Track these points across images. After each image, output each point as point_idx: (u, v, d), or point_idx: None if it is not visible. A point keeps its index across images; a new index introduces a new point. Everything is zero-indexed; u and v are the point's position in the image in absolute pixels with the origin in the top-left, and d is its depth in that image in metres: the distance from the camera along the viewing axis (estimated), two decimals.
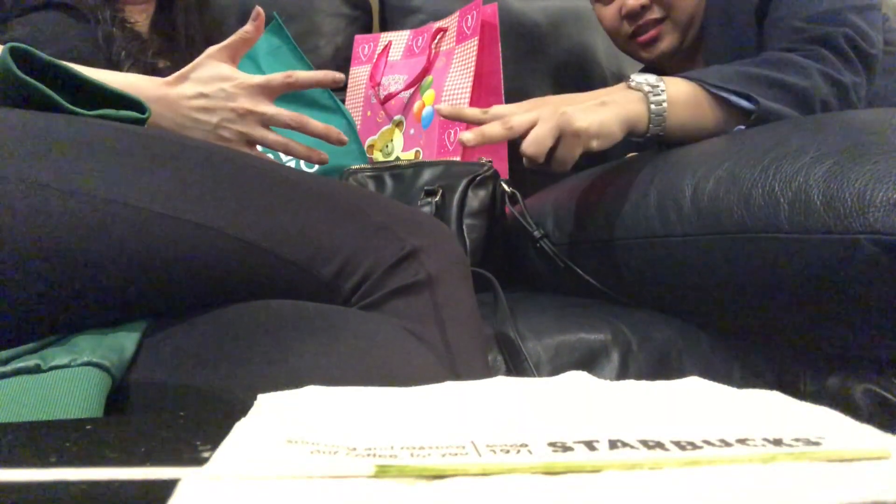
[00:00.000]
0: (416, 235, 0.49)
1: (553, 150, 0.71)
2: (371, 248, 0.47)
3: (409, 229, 0.49)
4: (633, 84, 0.75)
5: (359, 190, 0.52)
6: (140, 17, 0.96)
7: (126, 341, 0.42)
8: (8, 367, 0.37)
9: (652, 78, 0.75)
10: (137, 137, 0.47)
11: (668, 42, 0.99)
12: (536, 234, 0.83)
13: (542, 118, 0.70)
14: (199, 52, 1.05)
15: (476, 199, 0.89)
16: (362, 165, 0.98)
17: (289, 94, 1.07)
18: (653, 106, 0.73)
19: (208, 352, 0.42)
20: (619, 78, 1.42)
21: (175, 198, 0.44)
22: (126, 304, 0.45)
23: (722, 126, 0.76)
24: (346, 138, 0.74)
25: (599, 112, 0.71)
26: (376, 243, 0.47)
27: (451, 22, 1.15)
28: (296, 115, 0.71)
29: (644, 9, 0.97)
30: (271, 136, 0.71)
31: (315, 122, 0.71)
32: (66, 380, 0.36)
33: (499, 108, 0.77)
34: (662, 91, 0.73)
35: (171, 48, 0.97)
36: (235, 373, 0.39)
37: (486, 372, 0.50)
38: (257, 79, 0.70)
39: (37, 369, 0.37)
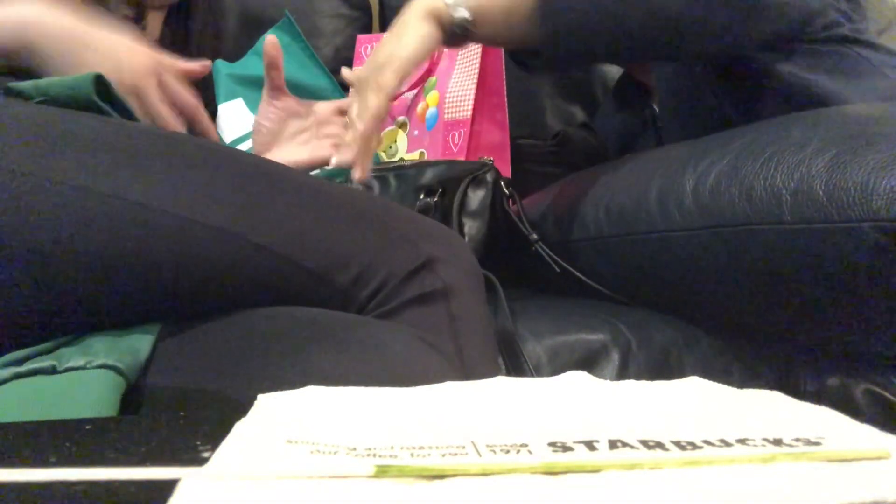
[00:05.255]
0: (432, 245, 0.49)
1: None
2: (388, 257, 0.47)
3: (426, 239, 0.49)
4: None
5: (377, 199, 0.53)
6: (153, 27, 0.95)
7: (140, 343, 0.43)
8: (23, 368, 0.37)
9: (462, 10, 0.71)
10: (160, 140, 0.48)
11: None
12: (532, 237, 0.83)
13: (361, 102, 0.68)
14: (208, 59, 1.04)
15: (475, 198, 0.89)
16: None
17: (299, 94, 1.07)
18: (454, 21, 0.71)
19: (223, 357, 0.42)
20: (619, 73, 1.41)
21: (196, 201, 0.44)
22: (143, 306, 0.45)
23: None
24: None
25: (395, 54, 0.68)
26: (393, 252, 0.48)
27: None
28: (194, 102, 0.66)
29: None
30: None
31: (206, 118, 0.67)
32: (82, 382, 0.36)
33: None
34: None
35: (178, 56, 0.96)
36: (250, 379, 0.39)
37: None
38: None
39: (52, 370, 0.37)
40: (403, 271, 0.47)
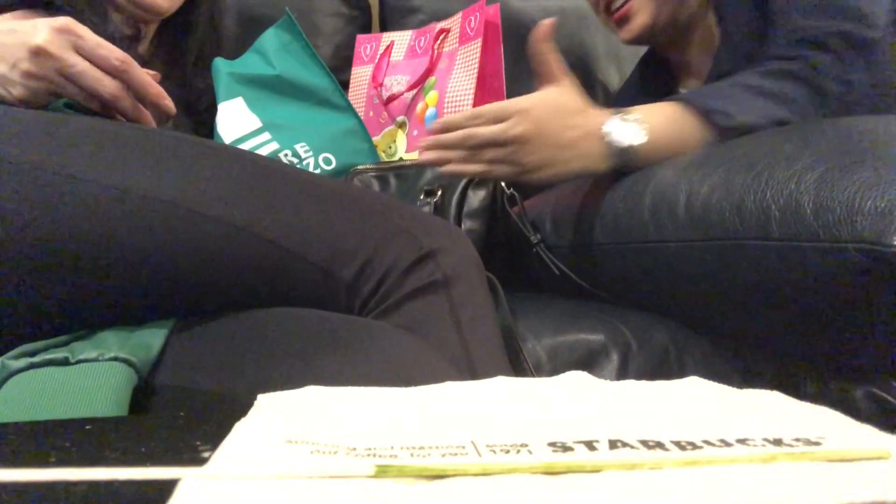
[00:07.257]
0: (432, 237, 0.50)
1: None
2: (390, 250, 0.48)
3: (425, 232, 0.50)
4: (608, 138, 0.71)
5: (377, 194, 0.54)
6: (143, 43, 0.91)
7: (152, 339, 0.43)
8: (37, 359, 0.38)
9: (630, 132, 0.71)
10: (165, 138, 0.49)
11: (639, 20, 0.94)
12: (533, 239, 0.83)
13: (503, 159, 0.70)
14: (208, 68, 1.01)
15: (475, 198, 0.89)
16: (367, 165, 0.98)
17: (300, 93, 1.07)
18: (619, 162, 0.72)
19: (233, 358, 0.42)
20: (620, 74, 1.41)
21: (202, 195, 0.45)
22: (151, 301, 0.46)
23: (698, 147, 0.74)
24: (173, 110, 0.60)
25: (556, 166, 0.71)
26: (395, 244, 0.48)
27: (453, 23, 1.15)
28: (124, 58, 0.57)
29: None
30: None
31: (142, 74, 0.58)
32: (94, 373, 0.37)
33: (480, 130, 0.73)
34: (635, 152, 0.71)
35: (172, 68, 0.94)
36: (256, 381, 0.40)
37: (505, 370, 0.51)
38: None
39: (65, 362, 0.38)
40: (405, 263, 0.48)
